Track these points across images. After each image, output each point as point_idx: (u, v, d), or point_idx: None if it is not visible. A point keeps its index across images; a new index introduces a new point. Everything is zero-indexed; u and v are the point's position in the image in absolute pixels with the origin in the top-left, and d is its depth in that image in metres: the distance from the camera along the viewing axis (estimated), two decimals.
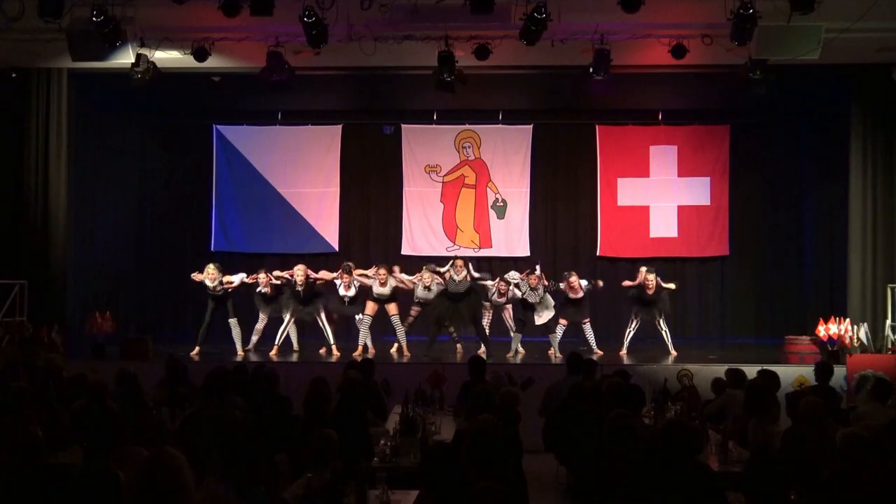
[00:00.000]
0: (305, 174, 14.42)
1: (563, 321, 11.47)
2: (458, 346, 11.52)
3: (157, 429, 4.90)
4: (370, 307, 11.44)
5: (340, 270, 11.36)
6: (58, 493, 3.87)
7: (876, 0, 8.79)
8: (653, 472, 4.30)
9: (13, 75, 11.44)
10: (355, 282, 11.30)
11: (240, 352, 11.23)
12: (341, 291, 11.32)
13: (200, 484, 3.88)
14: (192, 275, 11.36)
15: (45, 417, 5.61)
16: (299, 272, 11.18)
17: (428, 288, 11.32)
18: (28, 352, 9.91)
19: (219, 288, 11.17)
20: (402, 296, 11.67)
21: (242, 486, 3.84)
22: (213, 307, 11.24)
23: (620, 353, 11.37)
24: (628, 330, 11.59)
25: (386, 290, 11.30)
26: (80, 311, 11.79)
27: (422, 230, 14.39)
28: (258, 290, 11.39)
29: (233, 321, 11.32)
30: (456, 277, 11.19)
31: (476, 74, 10.68)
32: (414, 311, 11.70)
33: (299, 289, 11.18)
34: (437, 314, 11.29)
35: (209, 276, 11.16)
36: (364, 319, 11.45)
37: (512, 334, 11.59)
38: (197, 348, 11.11)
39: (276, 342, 11.26)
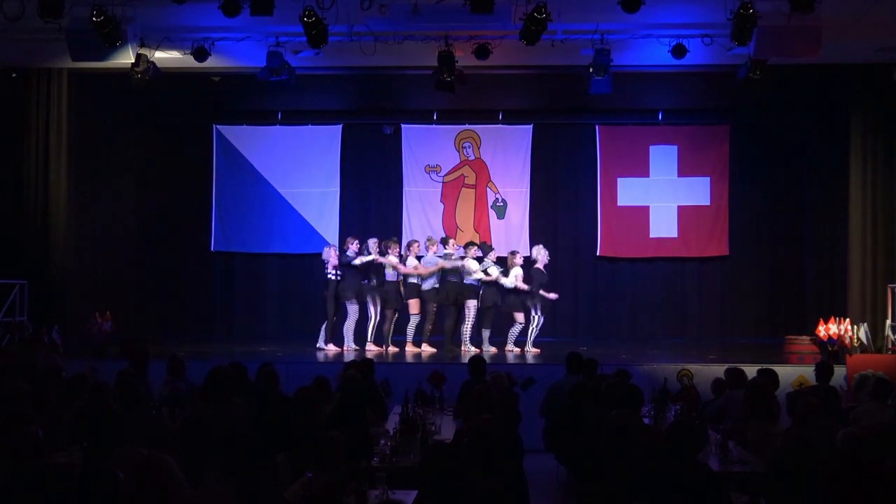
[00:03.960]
0: (305, 174, 14.42)
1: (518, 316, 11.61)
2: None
3: (157, 429, 4.90)
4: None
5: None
6: (58, 493, 3.87)
7: (876, 0, 8.78)
8: (653, 473, 4.31)
9: (13, 75, 11.44)
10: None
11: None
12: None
13: (200, 484, 3.88)
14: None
15: (45, 417, 5.61)
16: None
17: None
18: (28, 352, 9.91)
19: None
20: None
21: (243, 486, 3.84)
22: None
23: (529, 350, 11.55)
24: (533, 326, 11.69)
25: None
26: (80, 311, 11.78)
27: (422, 230, 14.35)
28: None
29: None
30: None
31: (476, 74, 10.68)
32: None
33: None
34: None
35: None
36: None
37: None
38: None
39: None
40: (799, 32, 9.18)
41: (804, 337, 10.82)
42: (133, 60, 10.05)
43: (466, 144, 14.52)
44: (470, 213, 14.47)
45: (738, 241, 14.33)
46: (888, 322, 10.95)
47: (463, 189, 14.52)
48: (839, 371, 9.10)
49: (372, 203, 14.68)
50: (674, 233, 14.30)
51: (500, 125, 14.38)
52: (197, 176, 14.48)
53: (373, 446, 5.86)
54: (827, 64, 10.29)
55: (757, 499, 4.52)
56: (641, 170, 14.35)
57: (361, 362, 8.24)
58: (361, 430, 5.85)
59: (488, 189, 14.48)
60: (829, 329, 10.53)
